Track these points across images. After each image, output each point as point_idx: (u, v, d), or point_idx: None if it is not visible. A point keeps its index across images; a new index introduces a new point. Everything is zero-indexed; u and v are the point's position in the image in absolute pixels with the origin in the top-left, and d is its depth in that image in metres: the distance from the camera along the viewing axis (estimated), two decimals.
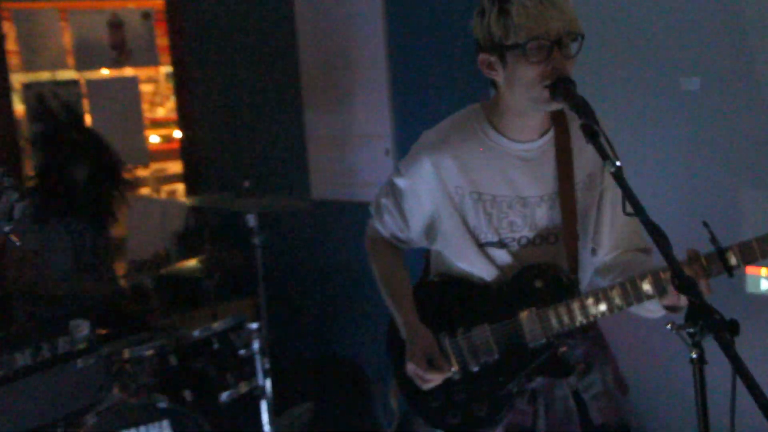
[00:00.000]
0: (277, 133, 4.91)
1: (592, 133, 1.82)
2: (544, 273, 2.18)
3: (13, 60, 4.98)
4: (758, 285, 2.91)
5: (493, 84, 2.15)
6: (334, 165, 4.57)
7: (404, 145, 4.09)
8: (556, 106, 2.02)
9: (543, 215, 2.20)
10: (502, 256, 2.22)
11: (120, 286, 3.95)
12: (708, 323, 1.53)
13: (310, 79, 4.63)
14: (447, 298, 2.31)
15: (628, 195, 1.74)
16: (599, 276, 2.32)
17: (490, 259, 2.23)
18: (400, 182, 2.31)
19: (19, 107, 5.09)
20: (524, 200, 2.18)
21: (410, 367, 2.20)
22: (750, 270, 2.87)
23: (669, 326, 1.63)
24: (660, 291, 2.01)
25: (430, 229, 2.30)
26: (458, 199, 2.21)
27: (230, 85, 5.19)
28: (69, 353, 2.67)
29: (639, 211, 1.72)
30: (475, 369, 2.23)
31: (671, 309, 2.03)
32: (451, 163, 2.20)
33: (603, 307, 2.08)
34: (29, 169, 5.05)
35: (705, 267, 1.96)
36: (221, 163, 5.34)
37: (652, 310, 2.10)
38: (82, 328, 2.73)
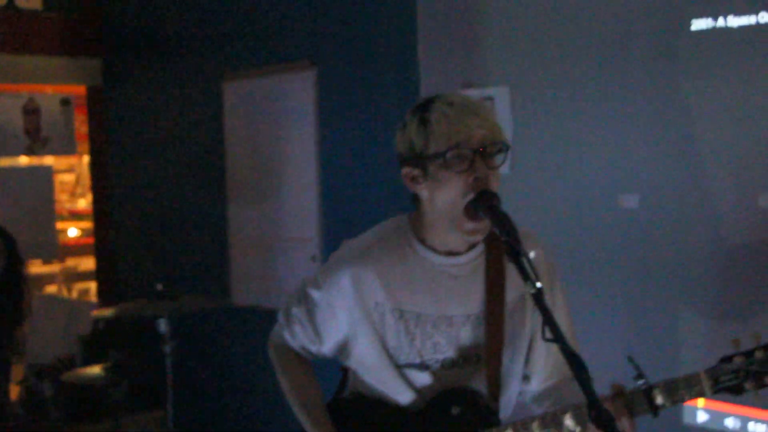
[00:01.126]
0: (198, 232, 4.81)
1: (514, 252, 1.77)
2: (462, 399, 2.09)
3: None
4: (695, 417, 2.87)
5: (415, 199, 2.09)
6: (257, 268, 4.46)
7: (332, 251, 4.04)
8: (477, 236, 1.98)
9: (467, 335, 2.10)
10: (422, 378, 2.12)
11: (7, 397, 3.74)
12: None
13: (235, 177, 4.56)
14: (361, 420, 2.20)
15: (548, 319, 1.69)
16: (535, 404, 2.23)
17: (408, 382, 2.13)
18: (315, 294, 2.20)
19: None
20: (450, 319, 2.09)
21: None
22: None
23: None
24: (582, 425, 1.93)
25: (344, 347, 2.20)
26: (377, 317, 2.11)
27: (152, 178, 5.09)
28: None
29: (558, 338, 1.67)
30: None
31: None
32: (373, 278, 2.10)
33: None
34: None
35: (628, 404, 1.87)
36: (137, 261, 5.20)
37: None
38: None
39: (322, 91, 4.10)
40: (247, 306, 4.51)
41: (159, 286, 3.71)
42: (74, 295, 6.84)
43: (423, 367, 2.11)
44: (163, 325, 3.62)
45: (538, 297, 1.71)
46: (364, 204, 3.96)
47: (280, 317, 2.32)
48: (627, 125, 3.08)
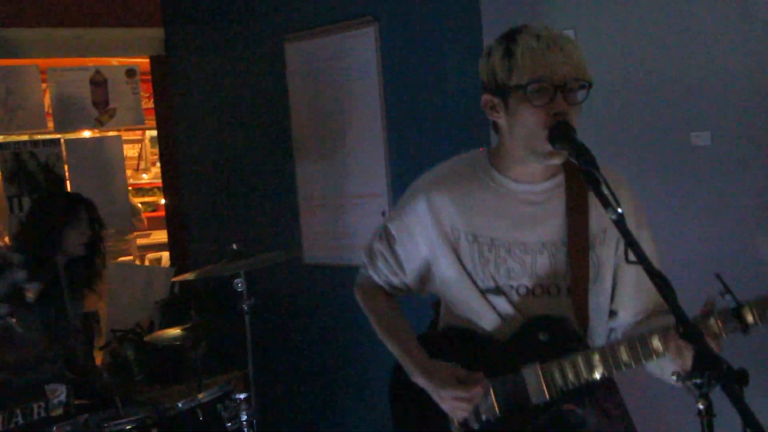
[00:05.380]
0: (268, 195, 4.96)
1: (593, 180, 1.86)
2: (551, 325, 2.16)
3: None
4: None
5: (495, 127, 2.19)
6: (327, 227, 4.59)
7: None
8: (555, 160, 2.05)
9: (544, 264, 2.18)
10: (503, 304, 2.21)
11: (93, 362, 3.95)
12: (715, 374, 1.54)
13: (302, 138, 4.69)
14: (449, 350, 2.29)
15: (631, 243, 1.76)
16: None
17: (492, 307, 2.22)
18: (394, 225, 2.34)
19: None
20: (524, 245, 2.18)
21: (447, 394, 2.16)
22: None
23: (675, 377, 1.63)
24: (669, 347, 1.99)
25: (427, 273, 2.32)
26: (453, 240, 2.23)
27: (219, 144, 5.26)
28: (44, 419, 2.67)
29: (642, 259, 1.73)
30: (476, 427, 2.21)
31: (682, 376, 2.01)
32: (448, 202, 2.22)
33: (610, 363, 2.05)
34: (4, 234, 5.11)
35: (718, 323, 1.93)
36: (209, 228, 5.37)
37: (666, 371, 2.07)
38: (59, 392, 2.74)
39: (384, 47, 4.19)
40: (318, 264, 4.66)
41: (234, 246, 3.83)
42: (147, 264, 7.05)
43: (499, 292, 2.20)
44: (240, 284, 3.74)
45: (619, 222, 1.77)
46: (431, 158, 3.96)
47: (364, 258, 2.45)
48: (697, 61, 3.14)
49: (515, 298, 2.20)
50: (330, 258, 4.59)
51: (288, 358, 4.89)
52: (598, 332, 2.23)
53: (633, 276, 2.19)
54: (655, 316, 2.18)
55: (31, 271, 1.97)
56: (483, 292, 2.22)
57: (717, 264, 2.78)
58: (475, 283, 2.22)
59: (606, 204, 1.80)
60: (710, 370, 1.56)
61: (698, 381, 1.59)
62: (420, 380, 2.23)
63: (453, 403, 2.18)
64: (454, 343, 2.30)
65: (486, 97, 2.14)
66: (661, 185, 3.25)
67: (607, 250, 2.19)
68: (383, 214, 4.25)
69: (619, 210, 1.78)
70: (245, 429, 3.57)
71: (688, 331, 1.64)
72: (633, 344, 2.04)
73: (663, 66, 3.24)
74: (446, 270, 2.26)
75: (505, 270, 2.19)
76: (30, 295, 1.93)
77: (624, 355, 2.04)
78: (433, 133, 4.04)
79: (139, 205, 7.97)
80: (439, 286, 2.32)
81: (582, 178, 2.02)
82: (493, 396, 2.19)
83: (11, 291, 1.86)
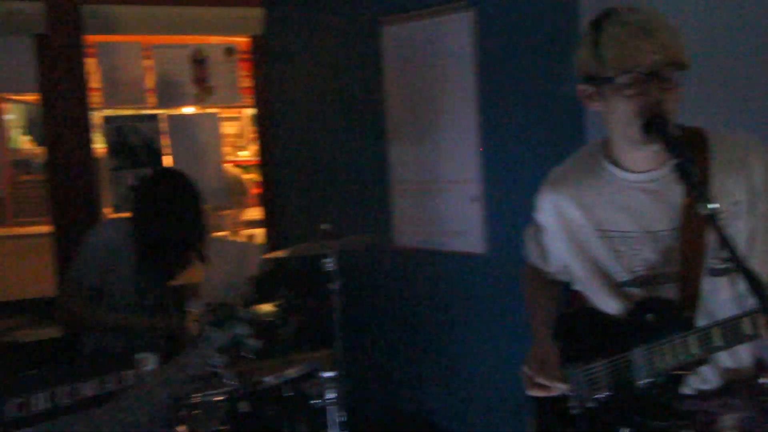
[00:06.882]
0: (360, 178, 5.03)
1: (685, 174, 1.85)
2: (657, 306, 2.15)
3: (95, 98, 5.22)
4: None
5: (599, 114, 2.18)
6: (418, 211, 4.62)
7: (493, 191, 4.14)
8: (654, 147, 2.03)
9: (669, 250, 2.14)
10: (637, 294, 2.21)
11: (186, 333, 4.03)
12: None
13: (396, 121, 4.73)
14: (575, 330, 2.37)
15: (725, 239, 1.78)
16: None
17: (625, 297, 2.23)
18: (536, 216, 2.41)
19: (99, 145, 5.34)
20: (654, 235, 2.15)
21: (524, 369, 2.28)
22: None
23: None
24: (758, 332, 1.93)
25: (565, 268, 2.39)
26: (584, 238, 2.25)
27: (314, 124, 5.33)
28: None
29: (733, 257, 1.76)
30: (591, 405, 2.26)
31: None
32: (570, 201, 2.26)
33: (705, 345, 2.01)
34: (107, 203, 5.28)
35: None
36: (302, 207, 5.46)
37: None
38: (149, 362, 2.82)
39: (480, 31, 4.20)
40: (408, 247, 4.70)
41: (325, 226, 3.88)
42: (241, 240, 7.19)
43: (637, 283, 2.20)
44: (330, 264, 3.81)
45: (712, 216, 1.78)
46: (524, 145, 4.06)
47: (524, 236, 2.54)
48: None
49: (650, 286, 2.19)
50: (420, 242, 4.63)
51: (375, 338, 4.96)
52: (713, 312, 2.14)
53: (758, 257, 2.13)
54: None
55: (254, 328, 1.99)
56: (618, 286, 2.23)
57: None
58: (609, 278, 2.23)
59: (698, 198, 1.80)
60: None
61: None
62: None
63: (522, 374, 2.30)
64: (581, 324, 2.36)
65: (581, 87, 2.13)
66: None
67: (737, 222, 2.10)
68: (473, 200, 4.27)
69: (711, 206, 1.77)
70: (331, 408, 3.64)
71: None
72: (726, 328, 1.99)
73: None
74: (578, 269, 2.31)
75: (641, 261, 2.18)
76: (246, 353, 1.96)
77: (716, 338, 1.99)
78: (527, 120, 4.04)
79: (247, 183, 8.11)
80: (576, 283, 2.38)
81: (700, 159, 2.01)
82: (603, 375, 2.22)
83: (231, 344, 1.89)
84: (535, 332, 2.39)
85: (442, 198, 4.48)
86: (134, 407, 1.65)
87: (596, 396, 2.24)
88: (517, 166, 4.02)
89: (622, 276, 2.21)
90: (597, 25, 2.04)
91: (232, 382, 3.46)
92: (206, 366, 1.87)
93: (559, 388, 2.27)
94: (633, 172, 2.15)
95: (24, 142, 7.54)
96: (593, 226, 2.22)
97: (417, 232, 4.65)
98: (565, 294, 2.53)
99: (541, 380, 2.25)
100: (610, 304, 2.26)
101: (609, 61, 1.99)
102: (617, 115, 2.05)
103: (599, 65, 2.02)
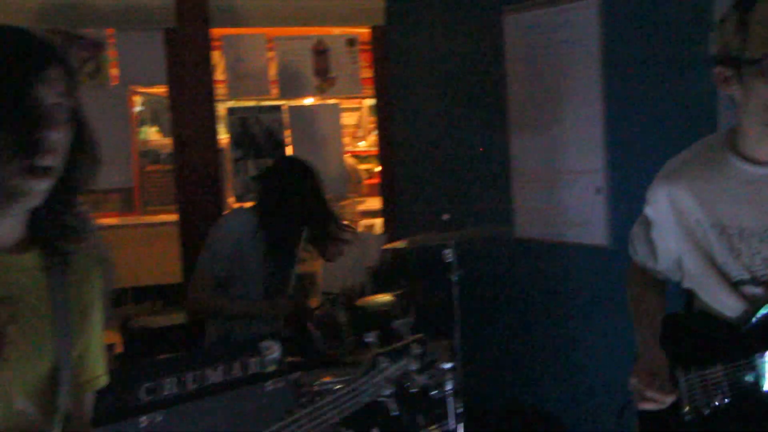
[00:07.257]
0: (481, 167, 4.99)
1: None
2: None
3: (220, 90, 5.35)
4: None
5: (732, 101, 2.09)
6: (540, 202, 4.57)
7: (617, 183, 4.06)
8: None
9: None
10: (756, 294, 2.13)
11: (308, 322, 4.10)
12: None
13: (517, 111, 4.69)
14: (686, 332, 2.29)
15: None
16: None
17: (742, 297, 2.15)
18: (647, 211, 2.32)
19: (223, 136, 5.46)
20: None
21: (633, 381, 2.20)
22: None
23: None
24: None
25: (679, 265, 2.30)
26: (700, 234, 2.17)
27: (434, 115, 5.32)
28: (259, 375, 2.82)
29: None
30: (706, 412, 2.17)
31: None
32: (687, 195, 2.17)
33: None
34: (230, 192, 5.40)
35: None
36: (421, 197, 5.47)
37: None
38: (273, 350, 2.87)
39: (606, 19, 4.12)
40: (530, 238, 4.65)
41: (446, 217, 3.88)
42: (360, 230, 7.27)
43: (756, 282, 2.12)
44: (449, 254, 3.80)
45: None
46: (650, 136, 3.96)
47: (632, 237, 2.46)
48: None
49: None
50: (542, 234, 4.57)
51: (494, 330, 4.92)
52: None
53: None
54: None
55: (425, 366, 2.03)
56: (735, 285, 2.16)
57: None
58: (725, 276, 2.16)
59: None
60: None
61: None
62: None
63: (632, 388, 2.20)
64: (693, 327, 2.29)
65: (718, 70, 2.04)
66: None
67: None
68: (598, 191, 4.20)
69: None
70: (449, 399, 3.64)
71: None
72: None
73: None
74: (693, 266, 2.23)
75: (761, 259, 2.10)
76: (411, 386, 2.00)
77: None
78: (656, 109, 3.94)
79: (362, 173, 8.20)
80: (687, 280, 2.30)
81: None
82: (725, 381, 2.14)
83: (399, 377, 1.94)
84: (642, 339, 2.30)
85: (565, 189, 4.42)
86: (303, 425, 1.68)
87: (715, 403, 2.16)
88: (644, 157, 3.92)
89: (740, 275, 2.13)
90: (746, 4, 1.95)
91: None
92: (376, 395, 1.91)
93: (671, 399, 2.20)
94: (759, 164, 2.07)
95: (152, 134, 7.78)
96: (711, 221, 2.14)
97: (538, 224, 4.60)
98: (685, 295, 2.45)
99: (652, 394, 2.16)
100: (727, 304, 2.18)
101: (757, 42, 1.91)
102: (757, 100, 1.96)
103: (744, 47, 1.94)
